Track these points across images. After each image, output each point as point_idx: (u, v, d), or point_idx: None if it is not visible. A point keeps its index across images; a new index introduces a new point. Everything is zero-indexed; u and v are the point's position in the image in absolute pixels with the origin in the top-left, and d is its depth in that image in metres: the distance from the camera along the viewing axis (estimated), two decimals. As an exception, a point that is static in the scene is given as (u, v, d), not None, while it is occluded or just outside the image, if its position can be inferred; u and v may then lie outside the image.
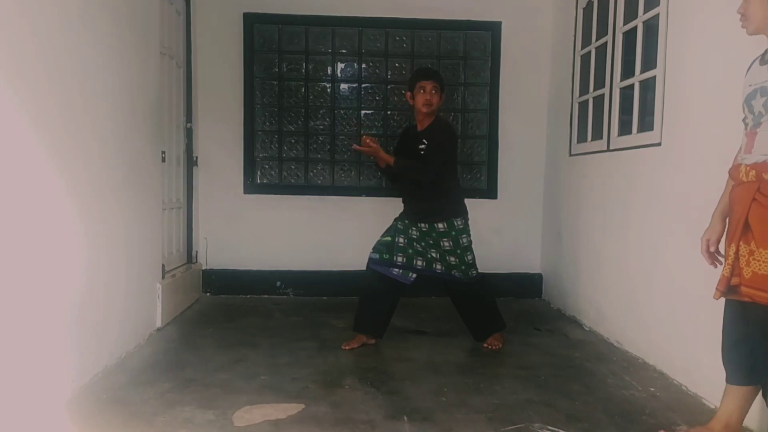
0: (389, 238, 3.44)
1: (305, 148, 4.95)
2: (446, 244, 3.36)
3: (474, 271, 3.44)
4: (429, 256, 3.41)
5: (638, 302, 3.29)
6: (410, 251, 3.41)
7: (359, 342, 3.41)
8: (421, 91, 3.33)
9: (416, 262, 3.42)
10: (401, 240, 3.42)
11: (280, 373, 2.92)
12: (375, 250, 3.45)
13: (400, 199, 3.57)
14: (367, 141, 3.31)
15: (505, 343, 3.48)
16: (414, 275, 3.44)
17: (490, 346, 3.43)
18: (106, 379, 2.76)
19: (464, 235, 3.38)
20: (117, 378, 2.78)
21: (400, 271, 3.41)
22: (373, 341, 3.45)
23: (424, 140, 3.34)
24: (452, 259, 3.38)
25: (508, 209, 4.96)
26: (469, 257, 3.41)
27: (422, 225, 3.38)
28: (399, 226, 3.46)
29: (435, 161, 3.28)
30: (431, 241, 3.39)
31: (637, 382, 2.87)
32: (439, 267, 3.42)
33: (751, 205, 1.90)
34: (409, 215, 3.45)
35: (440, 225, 3.34)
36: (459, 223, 3.36)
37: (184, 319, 4.03)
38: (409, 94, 3.42)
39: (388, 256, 3.41)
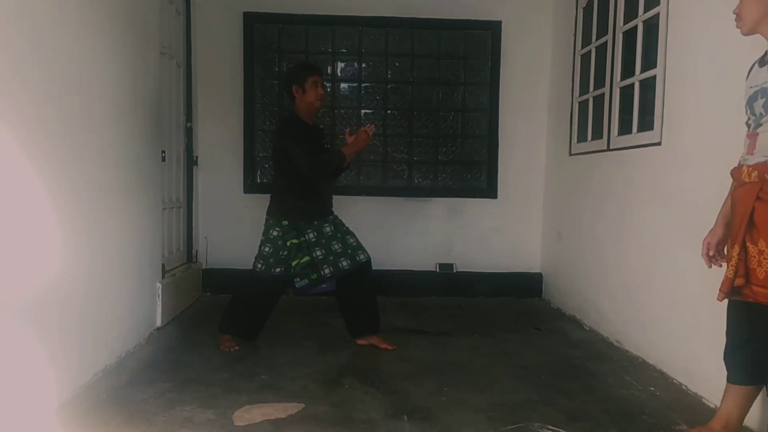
0: (308, 258, 3.25)
1: (305, 148, 4.95)
2: (345, 227, 3.38)
3: (363, 255, 3.33)
4: (349, 251, 3.29)
5: (638, 302, 3.29)
6: (331, 258, 3.26)
7: (231, 342, 3.30)
8: (316, 86, 3.29)
9: (342, 264, 3.26)
10: (319, 252, 3.25)
11: (280, 372, 2.93)
12: (302, 276, 3.25)
13: (310, 200, 3.32)
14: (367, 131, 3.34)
15: (505, 343, 3.48)
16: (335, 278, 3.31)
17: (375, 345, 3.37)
18: (106, 379, 2.76)
19: None
20: (117, 377, 2.79)
21: (330, 282, 3.30)
22: (237, 347, 3.29)
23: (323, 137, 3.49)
24: (351, 239, 3.33)
25: (508, 209, 4.96)
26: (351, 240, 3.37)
27: (331, 216, 3.37)
28: (310, 237, 3.25)
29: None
30: (343, 228, 3.37)
31: (637, 381, 2.87)
32: (362, 256, 3.31)
33: (755, 204, 1.90)
34: (319, 213, 3.31)
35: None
36: None
37: (184, 318, 4.03)
38: (295, 87, 3.29)
39: (315, 275, 3.25)
